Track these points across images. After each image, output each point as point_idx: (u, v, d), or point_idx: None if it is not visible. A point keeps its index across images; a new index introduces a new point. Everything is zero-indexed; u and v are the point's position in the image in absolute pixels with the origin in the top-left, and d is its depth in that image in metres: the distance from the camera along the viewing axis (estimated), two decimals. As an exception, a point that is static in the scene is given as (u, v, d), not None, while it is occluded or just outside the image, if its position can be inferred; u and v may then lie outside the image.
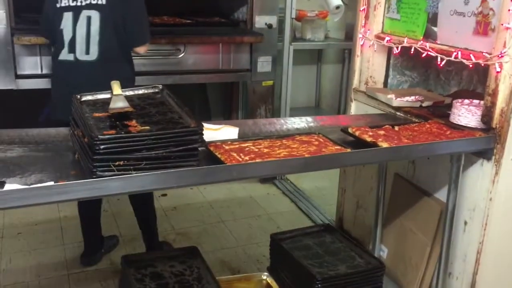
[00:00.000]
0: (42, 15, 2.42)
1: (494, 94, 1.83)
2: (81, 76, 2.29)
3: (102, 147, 1.33)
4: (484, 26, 1.90)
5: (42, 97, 2.65)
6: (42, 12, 2.41)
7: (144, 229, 2.68)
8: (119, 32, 2.32)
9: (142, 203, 2.63)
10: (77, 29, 2.27)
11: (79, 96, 1.65)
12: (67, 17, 2.28)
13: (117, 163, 1.35)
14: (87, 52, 2.29)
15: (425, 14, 2.19)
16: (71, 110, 2.04)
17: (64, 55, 2.32)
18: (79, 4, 2.27)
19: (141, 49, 2.46)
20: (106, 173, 1.34)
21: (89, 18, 2.26)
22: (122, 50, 2.37)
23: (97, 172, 1.33)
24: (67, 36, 2.29)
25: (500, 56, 1.78)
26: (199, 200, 3.48)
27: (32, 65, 2.87)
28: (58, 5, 2.30)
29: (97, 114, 1.52)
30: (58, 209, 3.19)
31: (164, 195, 3.46)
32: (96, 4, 2.27)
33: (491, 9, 1.87)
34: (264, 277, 2.25)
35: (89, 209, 2.62)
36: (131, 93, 1.70)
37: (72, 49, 2.30)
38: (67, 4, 2.28)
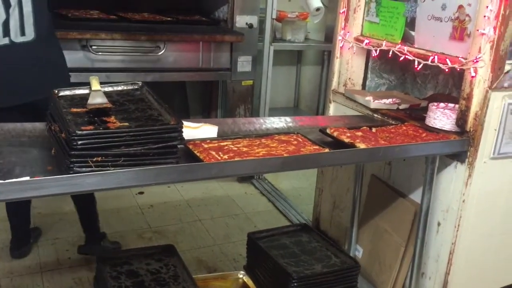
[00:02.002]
0: None
1: (469, 98, 1.88)
2: (17, 58, 2.23)
3: (79, 142, 1.32)
4: (460, 32, 1.95)
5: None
6: None
7: (87, 229, 2.70)
8: (47, 10, 2.31)
9: (86, 204, 2.64)
10: (10, 12, 2.19)
11: (56, 91, 1.63)
12: None
13: (94, 159, 1.33)
14: (23, 33, 2.23)
15: (404, 18, 2.22)
16: (5, 94, 2.12)
17: None
18: None
19: None
20: (83, 169, 1.32)
21: (20, 1, 2.20)
22: (51, 28, 2.38)
23: (74, 168, 1.32)
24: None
25: (475, 61, 1.82)
26: (177, 198, 3.46)
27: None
28: None
29: (75, 110, 1.50)
30: (32, 206, 3.13)
31: (141, 192, 3.44)
32: None
33: (468, 15, 1.91)
34: (241, 276, 2.26)
35: (19, 203, 2.59)
36: (110, 89, 1.68)
37: (6, 32, 2.21)
38: None
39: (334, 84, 2.61)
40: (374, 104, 2.28)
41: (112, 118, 1.46)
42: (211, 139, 1.71)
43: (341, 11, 2.50)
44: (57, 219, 3.05)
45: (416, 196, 2.16)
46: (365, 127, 1.97)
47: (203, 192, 3.58)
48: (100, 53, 2.98)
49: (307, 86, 4.97)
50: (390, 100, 2.35)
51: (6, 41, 2.21)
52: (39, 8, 2.25)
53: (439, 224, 2.06)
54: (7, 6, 2.19)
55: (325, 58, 4.65)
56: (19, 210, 2.64)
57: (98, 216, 2.71)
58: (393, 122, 2.14)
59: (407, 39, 2.24)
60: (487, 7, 1.76)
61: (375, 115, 2.27)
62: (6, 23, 2.20)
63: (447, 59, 1.93)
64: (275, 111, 4.12)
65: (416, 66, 2.05)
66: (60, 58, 2.39)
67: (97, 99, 1.53)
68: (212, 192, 3.59)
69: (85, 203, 2.65)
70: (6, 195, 1.24)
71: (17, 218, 2.67)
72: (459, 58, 1.90)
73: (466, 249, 2.02)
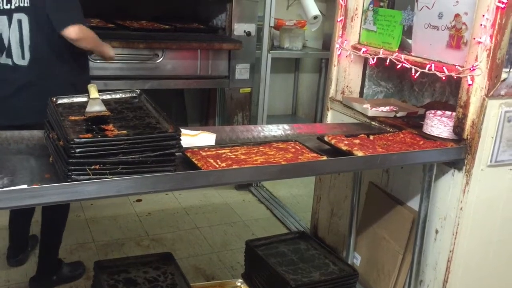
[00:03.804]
0: None
1: (466, 106, 1.89)
2: (19, 80, 2.20)
3: (77, 150, 1.32)
4: (457, 40, 1.96)
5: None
6: None
7: (45, 253, 2.51)
8: (48, 32, 2.19)
9: (51, 224, 2.47)
10: (10, 33, 2.18)
11: (54, 99, 1.63)
12: (3, 21, 2.18)
13: (92, 167, 1.34)
14: (23, 57, 2.20)
15: (401, 26, 2.24)
16: (6, 114, 2.12)
17: (3, 59, 2.22)
18: (11, 7, 2.16)
19: (70, 33, 2.14)
20: (82, 177, 1.32)
21: (20, 22, 2.17)
22: (55, 51, 2.23)
23: (72, 176, 1.32)
24: (5, 40, 2.20)
25: (472, 69, 1.83)
26: (174, 206, 3.45)
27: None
28: None
29: (73, 118, 1.51)
30: (29, 214, 3.13)
31: (139, 200, 3.43)
32: (24, 7, 2.16)
33: (464, 23, 1.92)
34: (239, 284, 2.26)
35: (22, 211, 2.54)
36: (108, 97, 1.69)
37: (9, 53, 2.20)
38: (1, 8, 2.17)
39: (331, 91, 2.62)
40: (372, 111, 2.28)
41: (110, 126, 1.46)
42: (209, 147, 1.72)
43: (338, 19, 2.51)
44: (54, 227, 3.04)
45: (414, 203, 2.16)
46: (362, 135, 1.97)
47: (201, 199, 3.57)
48: (98, 61, 2.99)
49: (305, 94, 4.98)
50: (387, 107, 2.36)
51: (9, 61, 2.21)
52: (36, 31, 2.17)
53: (437, 231, 2.06)
54: (9, 27, 2.18)
55: (323, 66, 4.67)
56: (23, 218, 2.61)
57: (61, 239, 2.51)
58: (391, 130, 2.14)
59: (404, 47, 2.25)
60: (483, 15, 1.78)
61: (373, 122, 2.27)
62: (9, 45, 2.19)
63: (444, 67, 1.94)
64: (273, 119, 4.13)
65: (413, 74, 2.06)
66: (55, 84, 2.22)
67: (95, 107, 1.54)
68: (210, 200, 3.59)
69: (53, 218, 2.44)
70: (4, 204, 1.24)
71: (19, 226, 2.64)
72: (456, 66, 1.91)
73: (464, 256, 2.02)
